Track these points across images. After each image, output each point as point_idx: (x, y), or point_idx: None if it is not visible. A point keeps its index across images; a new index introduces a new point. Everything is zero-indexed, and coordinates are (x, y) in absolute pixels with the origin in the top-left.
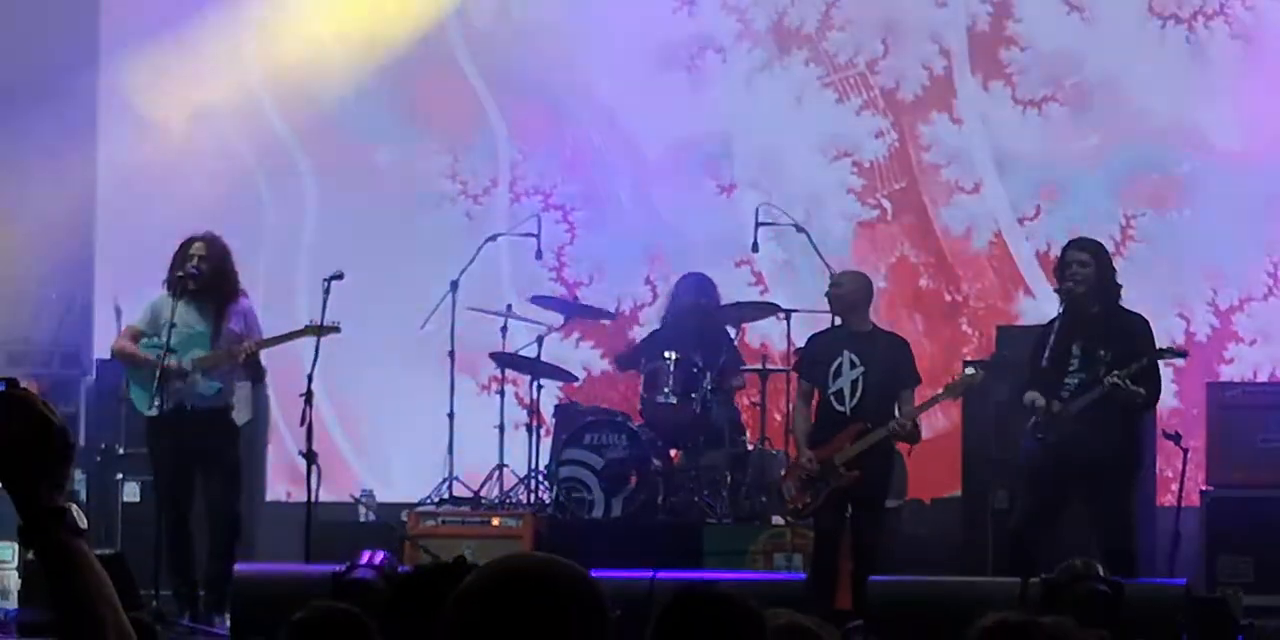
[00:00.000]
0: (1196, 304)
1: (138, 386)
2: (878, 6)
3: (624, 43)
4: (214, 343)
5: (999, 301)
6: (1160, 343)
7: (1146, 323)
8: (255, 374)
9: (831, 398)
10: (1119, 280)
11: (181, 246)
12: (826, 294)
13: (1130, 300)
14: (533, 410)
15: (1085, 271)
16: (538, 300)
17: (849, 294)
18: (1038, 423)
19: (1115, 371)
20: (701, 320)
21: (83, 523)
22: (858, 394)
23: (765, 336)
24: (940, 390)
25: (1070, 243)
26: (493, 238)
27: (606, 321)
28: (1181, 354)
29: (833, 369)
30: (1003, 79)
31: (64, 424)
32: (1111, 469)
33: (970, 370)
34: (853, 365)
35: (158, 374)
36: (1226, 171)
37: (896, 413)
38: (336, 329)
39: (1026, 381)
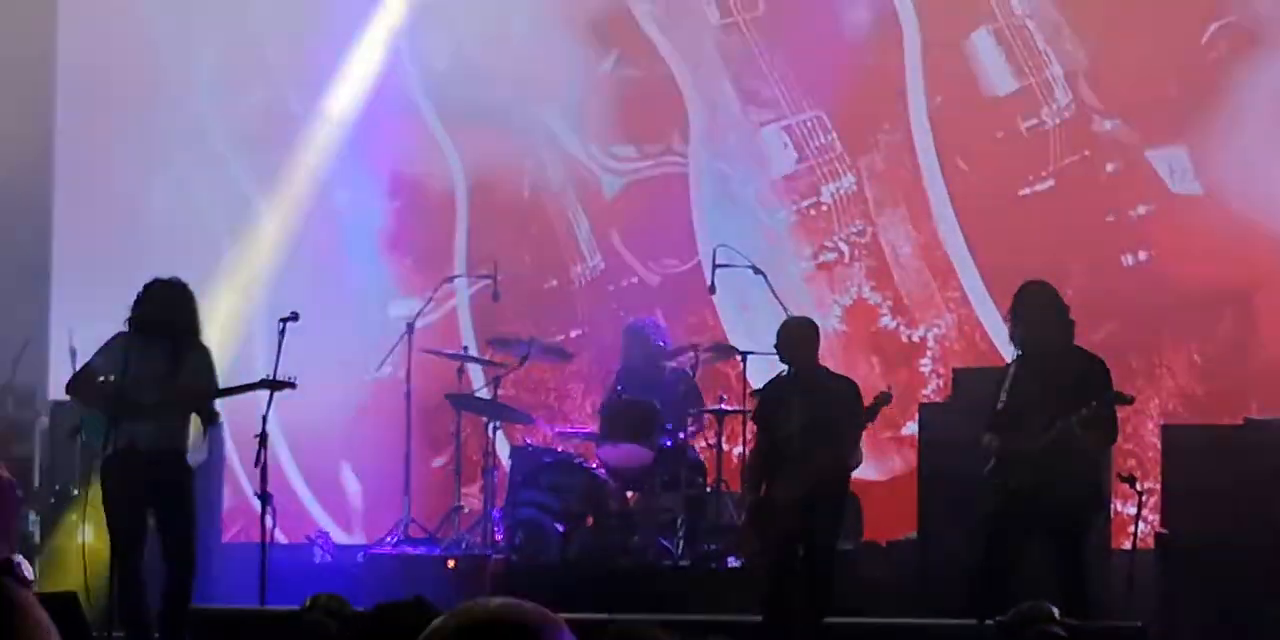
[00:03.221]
0: (1157, 346)
1: (91, 427)
2: (833, 51)
3: (580, 82)
4: (169, 385)
5: (956, 343)
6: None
7: (1103, 364)
8: (210, 418)
9: (781, 442)
10: (1071, 318)
11: (144, 288)
12: (775, 345)
13: (1089, 343)
14: (489, 452)
15: (1040, 316)
16: (495, 342)
17: (794, 341)
18: (995, 466)
19: (1061, 418)
20: (655, 363)
21: (30, 574)
22: (804, 438)
23: (722, 378)
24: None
25: (1023, 286)
26: (449, 279)
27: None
28: (1128, 399)
29: (782, 414)
30: (959, 121)
31: (11, 480)
32: (1069, 511)
33: (880, 392)
34: (801, 410)
35: (111, 415)
36: (1184, 214)
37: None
38: (292, 385)
39: (984, 425)
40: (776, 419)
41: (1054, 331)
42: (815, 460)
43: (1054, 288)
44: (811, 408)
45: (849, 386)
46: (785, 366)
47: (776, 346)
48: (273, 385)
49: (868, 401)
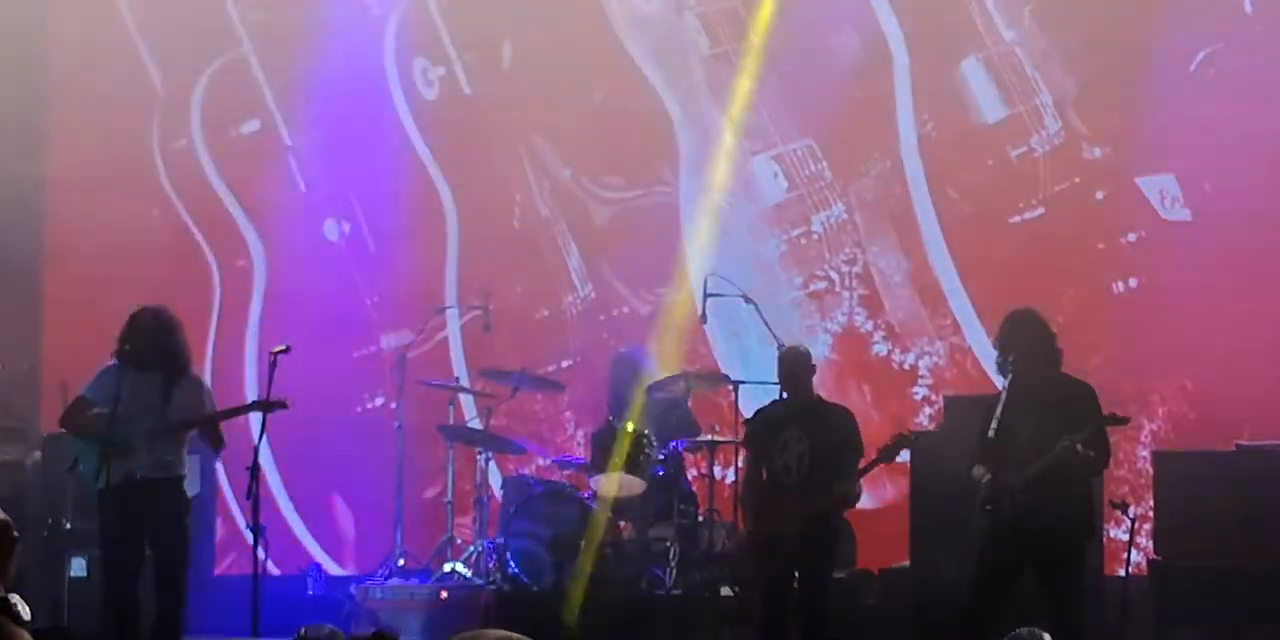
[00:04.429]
0: (1148, 373)
1: (88, 459)
2: (823, 79)
3: (570, 112)
4: (162, 415)
5: (948, 371)
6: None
7: (1091, 390)
8: (214, 442)
9: (779, 471)
10: (1059, 346)
11: (131, 318)
12: (778, 372)
13: (1080, 370)
14: (481, 482)
15: (1028, 344)
16: (488, 373)
17: (797, 369)
18: (986, 495)
19: (1067, 435)
20: (646, 393)
21: (26, 613)
22: (805, 467)
23: (714, 407)
24: (875, 455)
25: (1010, 314)
26: (441, 310)
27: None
28: (1124, 420)
29: (779, 443)
30: (949, 149)
31: (7, 520)
32: (1062, 539)
33: (902, 433)
34: (799, 440)
35: (106, 447)
36: (1174, 241)
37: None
38: (285, 405)
39: (975, 454)
40: (773, 446)
41: (1041, 359)
42: (831, 494)
43: (1040, 315)
44: (811, 437)
45: (846, 415)
46: (777, 395)
47: (780, 373)
48: (266, 406)
49: (866, 431)
